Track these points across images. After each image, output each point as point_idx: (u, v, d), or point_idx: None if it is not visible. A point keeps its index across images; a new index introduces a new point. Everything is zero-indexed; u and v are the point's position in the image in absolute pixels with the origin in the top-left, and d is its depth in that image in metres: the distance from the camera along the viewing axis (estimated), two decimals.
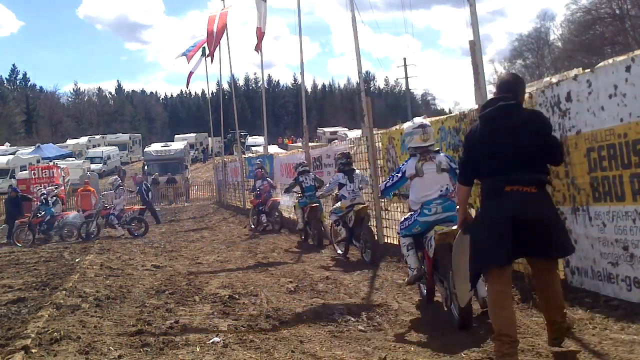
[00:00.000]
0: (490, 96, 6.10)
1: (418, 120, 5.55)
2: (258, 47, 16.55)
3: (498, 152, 3.49)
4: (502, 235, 3.40)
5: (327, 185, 9.61)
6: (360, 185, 8.78)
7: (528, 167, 3.46)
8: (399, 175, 5.25)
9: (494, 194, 3.50)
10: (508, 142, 3.47)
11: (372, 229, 8.49)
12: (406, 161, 5.29)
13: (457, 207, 4.31)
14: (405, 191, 5.49)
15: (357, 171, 8.99)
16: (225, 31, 20.35)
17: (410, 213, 5.31)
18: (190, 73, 26.90)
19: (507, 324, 3.45)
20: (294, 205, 11.25)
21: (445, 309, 4.77)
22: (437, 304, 5.26)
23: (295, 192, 10.98)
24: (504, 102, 3.57)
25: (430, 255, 4.98)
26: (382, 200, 8.55)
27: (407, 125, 5.51)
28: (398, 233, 5.66)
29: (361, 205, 8.44)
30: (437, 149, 5.48)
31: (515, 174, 3.43)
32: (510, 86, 3.69)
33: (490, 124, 3.57)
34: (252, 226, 14.01)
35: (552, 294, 3.70)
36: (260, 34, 16.07)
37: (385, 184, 5.48)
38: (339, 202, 8.77)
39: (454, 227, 4.59)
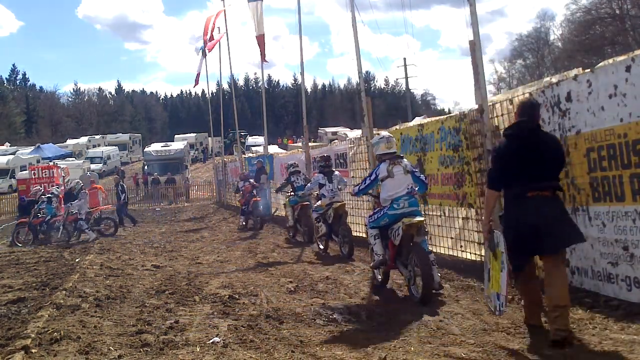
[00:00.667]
0: (490, 96, 6.33)
1: (383, 133, 6.79)
2: (264, 56, 16.52)
3: (524, 165, 4.08)
4: (526, 237, 4.01)
5: (309, 184, 10.21)
6: (339, 186, 9.41)
7: (545, 178, 4.09)
8: (372, 178, 6.10)
9: (518, 199, 4.10)
10: (532, 157, 4.07)
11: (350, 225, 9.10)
12: (378, 166, 6.13)
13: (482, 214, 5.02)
14: (374, 192, 6.50)
15: (336, 172, 9.70)
16: (226, 31, 20.38)
17: (379, 209, 6.15)
18: (198, 73, 27.08)
19: (534, 293, 4.26)
20: (284, 204, 11.82)
21: (407, 290, 5.69)
22: (440, 302, 5.31)
23: (286, 191, 11.68)
24: (528, 125, 4.17)
25: (396, 243, 5.85)
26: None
27: (374, 138, 6.67)
28: (366, 225, 6.58)
29: (339, 203, 9.08)
30: (402, 155, 6.42)
31: (536, 182, 4.06)
32: (531, 110, 4.24)
33: (518, 142, 4.15)
34: (243, 224, 14.82)
35: (558, 280, 3.96)
36: (261, 42, 15.90)
37: (359, 187, 6.33)
38: (320, 201, 9.42)
39: (419, 219, 5.72)
